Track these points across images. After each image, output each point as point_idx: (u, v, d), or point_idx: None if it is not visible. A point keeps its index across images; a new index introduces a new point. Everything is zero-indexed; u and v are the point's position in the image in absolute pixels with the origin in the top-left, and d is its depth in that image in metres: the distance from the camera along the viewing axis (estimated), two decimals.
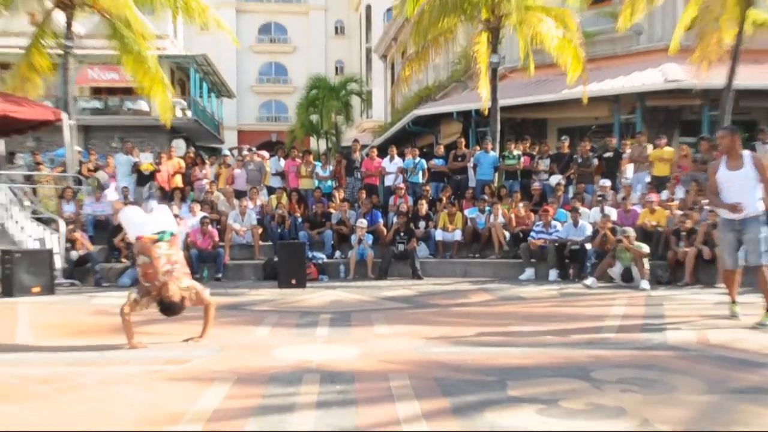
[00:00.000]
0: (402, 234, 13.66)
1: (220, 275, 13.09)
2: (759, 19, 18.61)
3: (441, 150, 17.68)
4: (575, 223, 12.90)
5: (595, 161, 15.45)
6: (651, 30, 21.59)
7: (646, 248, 11.68)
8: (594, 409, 4.18)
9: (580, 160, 15.50)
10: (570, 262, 12.80)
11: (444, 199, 15.06)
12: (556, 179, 15.21)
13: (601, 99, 19.81)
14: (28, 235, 12.99)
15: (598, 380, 4.87)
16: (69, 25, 16.39)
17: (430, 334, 6.93)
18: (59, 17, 16.63)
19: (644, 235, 12.35)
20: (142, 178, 16.42)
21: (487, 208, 14.32)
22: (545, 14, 16.50)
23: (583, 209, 13.40)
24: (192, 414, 4.18)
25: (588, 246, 12.49)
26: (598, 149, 15.96)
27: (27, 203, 14.25)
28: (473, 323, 7.69)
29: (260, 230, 14.31)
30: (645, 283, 11.18)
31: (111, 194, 15.50)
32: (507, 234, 13.91)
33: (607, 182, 14.61)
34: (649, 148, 15.15)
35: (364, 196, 15.19)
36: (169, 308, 6.22)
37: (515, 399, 4.42)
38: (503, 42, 17.97)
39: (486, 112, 17.56)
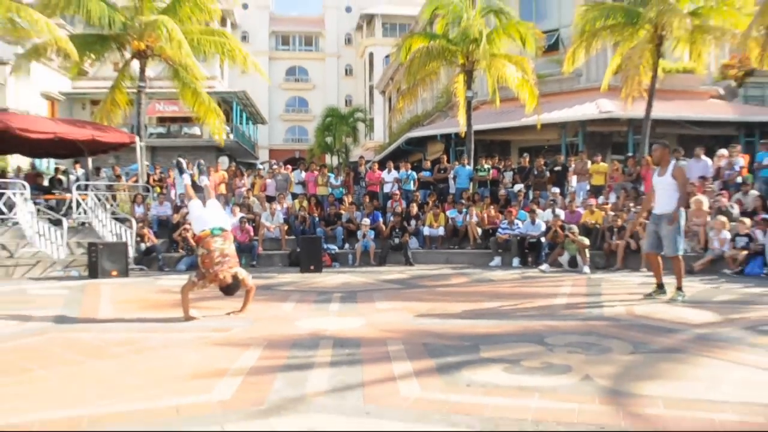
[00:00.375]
0: (397, 230, 13.64)
1: (254, 262, 13.06)
2: (667, 67, 18.79)
3: (428, 164, 17.65)
4: (533, 222, 12.86)
5: (548, 173, 15.45)
6: (588, 73, 21.58)
7: (587, 241, 11.64)
8: (548, 367, 4.15)
9: (536, 173, 15.49)
10: (529, 252, 12.77)
11: (430, 202, 15.05)
12: (518, 187, 15.18)
13: (551, 125, 19.82)
14: (109, 231, 12.98)
15: (550, 344, 4.83)
16: (142, 70, 16.54)
17: (419, 308, 6.89)
18: (135, 64, 16.73)
19: (585, 230, 12.32)
20: (196, 187, 16.37)
21: (464, 210, 14.30)
22: (507, 60, 16.52)
23: (538, 210, 13.36)
24: (233, 370, 4.16)
25: (543, 239, 12.46)
26: (550, 164, 15.94)
27: (108, 206, 14.25)
28: (453, 300, 7.67)
29: (286, 227, 14.27)
30: (586, 269, 11.15)
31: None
32: (480, 230, 13.88)
33: (557, 190, 14.59)
34: (589, 163, 15.14)
35: (367, 200, 15.18)
36: (227, 289, 6.24)
37: (486, 360, 4.39)
38: (476, 81, 17.95)
39: (463, 135, 17.56)
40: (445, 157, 17.55)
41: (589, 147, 18.73)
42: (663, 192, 7.25)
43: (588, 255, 11.46)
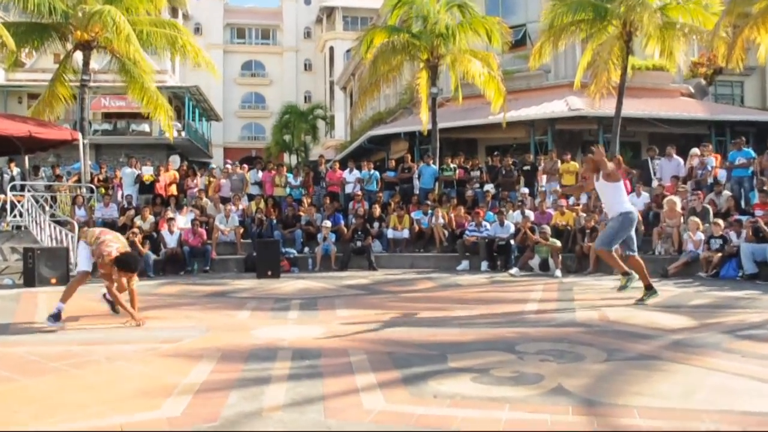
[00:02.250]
0: (360, 232, 13.58)
1: (207, 268, 12.83)
2: (637, 64, 19.24)
3: (392, 164, 17.68)
4: (501, 223, 12.93)
5: (516, 173, 15.56)
6: (557, 69, 21.93)
7: (558, 243, 11.76)
8: (518, 377, 4.14)
9: (504, 172, 15.59)
10: (498, 255, 12.81)
11: (393, 204, 15.00)
12: (489, 187, 15.25)
13: (519, 123, 20.03)
14: (48, 235, 12.60)
15: (521, 352, 4.83)
16: (86, 63, 16.10)
17: (383, 316, 6.86)
18: (78, 56, 16.29)
19: (556, 232, 12.44)
20: (144, 187, 16.19)
21: (429, 211, 14.29)
22: (473, 56, 16.64)
23: (509, 212, 13.44)
24: (184, 385, 4.04)
25: (512, 242, 12.54)
26: (518, 163, 16.08)
27: (47, 209, 13.84)
28: (419, 306, 7.64)
29: (242, 230, 14.07)
30: (558, 272, 11.25)
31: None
32: (446, 232, 13.90)
33: (526, 190, 14.71)
34: (558, 162, 15.31)
35: (328, 201, 15.07)
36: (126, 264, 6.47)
37: (454, 369, 4.37)
38: (441, 77, 18.02)
39: (426, 133, 17.60)
40: (409, 156, 17.55)
41: (558, 146, 18.98)
42: (603, 195, 7.61)
43: (560, 258, 11.57)
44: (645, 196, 13.42)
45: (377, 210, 14.64)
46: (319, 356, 4.82)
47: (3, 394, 3.96)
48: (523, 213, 13.20)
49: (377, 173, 16.60)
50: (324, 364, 4.57)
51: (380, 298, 8.68)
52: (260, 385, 4.03)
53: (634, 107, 19.08)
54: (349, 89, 39.70)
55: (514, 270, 11.53)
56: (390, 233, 14.18)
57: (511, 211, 13.60)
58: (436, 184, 16.04)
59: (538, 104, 20.59)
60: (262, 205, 14.88)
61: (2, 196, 14.30)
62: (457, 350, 4.93)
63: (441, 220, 14.00)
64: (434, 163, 16.42)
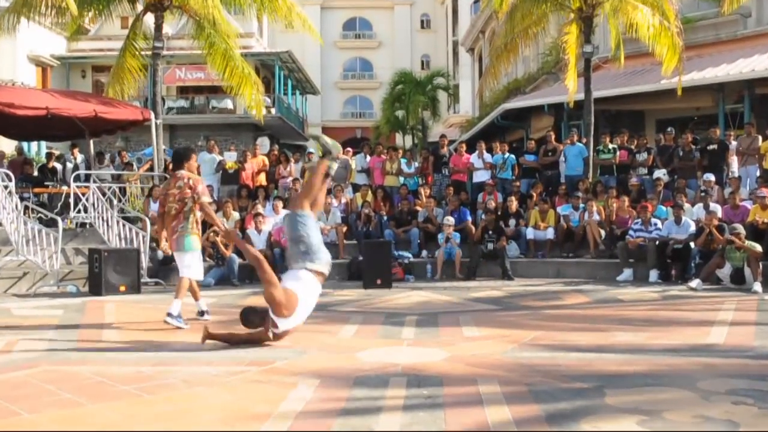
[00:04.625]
0: (491, 232, 13.52)
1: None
2: None
3: (532, 145, 17.42)
4: (677, 221, 12.50)
5: (698, 155, 14.99)
6: (760, 12, 20.74)
7: (758, 247, 11.20)
8: (702, 422, 4.00)
9: (681, 153, 15.06)
10: (672, 262, 12.41)
11: (535, 195, 14.88)
12: (659, 173, 14.78)
13: (703, 88, 19.18)
14: (116, 234, 13.29)
15: (705, 390, 4.66)
16: (159, 27, 16.86)
17: (521, 337, 6.83)
18: (149, 20, 17.13)
19: (755, 233, 11.85)
20: (227, 177, 16.71)
21: (581, 205, 14.05)
22: (641, 1, 16.09)
23: (686, 206, 12.97)
24: (275, 417, 4.19)
25: (692, 245, 12.10)
26: (700, 141, 15.46)
27: (115, 203, 14.63)
28: (567, 327, 7.57)
29: (345, 228, 14.36)
30: (757, 286, 10.72)
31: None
32: (603, 232, 13.60)
33: (711, 177, 14.12)
34: (759, 139, 14.59)
35: (451, 192, 15.12)
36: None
37: (613, 408, 4.29)
38: (596, 31, 17.61)
39: (576, 105, 17.23)
40: (552, 135, 17.27)
41: (759, 116, 18.04)
42: None
43: (760, 267, 11.04)
44: None
45: (513, 203, 14.53)
46: (440, 384, 4.87)
47: (66, 420, 4.27)
48: (707, 207, 12.69)
49: (513, 157, 16.50)
50: (446, 395, 4.61)
51: (517, 315, 8.64)
52: (368, 417, 4.12)
53: None
54: (477, 51, 39.54)
55: (695, 282, 11.09)
56: (530, 233, 14.06)
57: (690, 205, 13.12)
58: (590, 170, 15.71)
59: (731, 62, 19.60)
60: (369, 197, 15.14)
61: (65, 187, 15.35)
62: (617, 384, 4.85)
63: (596, 217, 13.73)
64: (580, 140, 16.08)
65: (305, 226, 6.47)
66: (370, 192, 15.44)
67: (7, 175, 13.35)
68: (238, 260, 12.77)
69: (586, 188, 14.79)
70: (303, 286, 6.29)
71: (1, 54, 29.25)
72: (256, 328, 6.35)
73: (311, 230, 6.52)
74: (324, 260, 6.51)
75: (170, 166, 17.42)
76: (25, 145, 21.84)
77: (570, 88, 16.72)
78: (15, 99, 13.51)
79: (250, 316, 6.36)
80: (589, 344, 6.50)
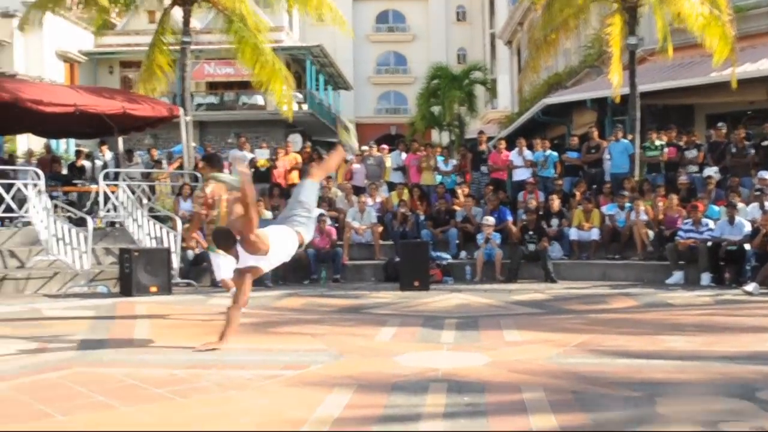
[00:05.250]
0: (531, 232, 13.47)
1: (338, 276, 13.23)
2: None
3: (575, 141, 17.30)
4: (731, 221, 12.34)
5: (752, 151, 14.78)
6: None
7: None
8: None
9: (734, 150, 14.87)
10: (725, 264, 12.25)
11: (578, 194, 14.77)
12: (711, 171, 14.60)
13: (757, 80, 18.89)
14: (146, 233, 13.45)
15: (764, 401, 4.59)
16: (186, 21, 17.06)
17: (565, 342, 6.80)
18: (177, 14, 17.30)
19: None
20: (258, 175, 16.78)
21: (627, 205, 13.93)
22: None
23: (740, 205, 12.80)
24: (312, 422, 4.21)
25: (747, 247, 11.93)
26: (754, 137, 15.24)
27: (145, 201, 14.81)
28: (614, 331, 7.51)
29: (380, 228, 14.39)
30: None
31: None
32: (650, 233, 13.48)
33: (766, 174, 13.90)
34: None
35: (490, 191, 15.07)
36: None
37: (666, 418, 4.25)
38: (641, 22, 17.41)
39: (621, 99, 17.09)
40: (595, 131, 17.14)
41: None
42: None
43: None
44: None
45: (555, 203, 14.45)
46: (482, 391, 4.87)
47: (99, 423, 4.34)
48: (762, 207, 12.52)
49: (555, 154, 16.42)
50: (489, 402, 4.61)
51: (561, 318, 8.63)
52: (407, 425, 4.13)
53: None
54: (515, 44, 39.34)
55: (751, 286, 10.92)
56: (573, 233, 13.98)
57: (744, 205, 12.96)
58: (635, 167, 15.56)
59: None
60: (405, 196, 15.15)
61: (94, 186, 15.57)
62: (669, 392, 4.81)
63: (643, 217, 13.61)
64: (625, 136, 15.94)
65: (315, 199, 7.26)
66: (406, 190, 15.45)
67: (37, 174, 13.53)
68: None
69: (632, 187, 14.65)
70: (281, 233, 6.64)
71: (28, 50, 29.89)
72: (226, 250, 6.71)
73: (314, 203, 7.23)
74: (311, 234, 7.14)
75: (200, 165, 17.67)
76: (53, 142, 22.19)
77: (614, 82, 16.60)
78: (43, 96, 13.72)
79: (225, 237, 6.62)
80: (638, 350, 6.45)
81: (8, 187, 12.96)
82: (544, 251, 13.15)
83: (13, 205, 13.05)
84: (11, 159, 18.45)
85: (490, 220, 13.69)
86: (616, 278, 13.01)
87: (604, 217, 14.08)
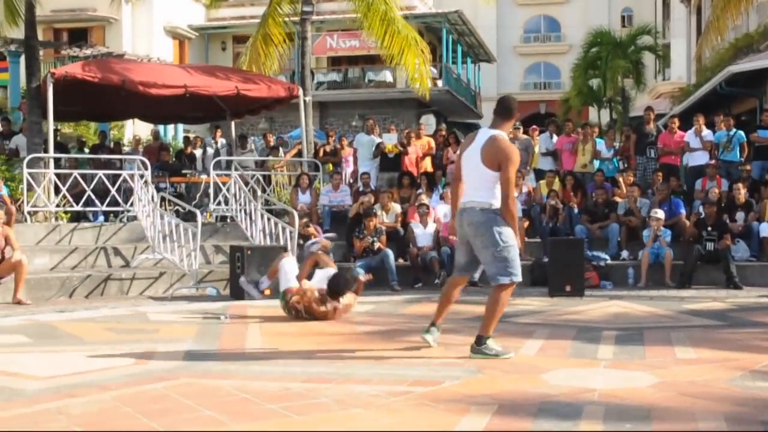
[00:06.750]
0: (711, 228, 13.12)
1: (476, 278, 13.19)
2: None
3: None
4: None
5: None
6: None
7: None
8: None
9: None
10: None
11: None
12: None
13: None
14: (260, 229, 13.75)
15: None
16: None
17: (752, 362, 6.57)
18: None
19: None
20: (386, 162, 16.90)
21: None
22: None
23: None
24: None
25: None
26: None
27: (259, 193, 15.11)
28: None
29: (527, 224, 14.31)
30: None
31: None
32: None
33: None
34: None
35: (660, 179, 14.75)
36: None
37: None
38: None
39: None
40: None
41: None
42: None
43: None
44: None
45: (742, 192, 14.02)
46: (647, 418, 4.78)
47: None
48: None
49: (742, 133, 15.87)
50: (656, 431, 4.53)
51: (747, 333, 8.42)
52: None
53: None
54: (694, 1, 38.21)
55: None
56: (764, 229, 13.51)
57: None
58: None
59: None
60: (557, 186, 15.04)
61: (204, 176, 16.05)
62: None
63: None
64: None
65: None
66: (557, 179, 15.34)
67: (143, 163, 14.04)
68: (392, 255, 12.92)
69: None
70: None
71: (136, 27, 31.35)
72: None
73: None
74: None
75: (322, 150, 17.94)
76: (161, 128, 23.03)
77: None
78: (152, 77, 14.25)
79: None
80: None
81: (114, 179, 13.52)
82: (726, 251, 12.81)
83: (119, 198, 13.63)
84: (117, 147, 19.29)
85: (659, 213, 13.40)
86: None
87: None
